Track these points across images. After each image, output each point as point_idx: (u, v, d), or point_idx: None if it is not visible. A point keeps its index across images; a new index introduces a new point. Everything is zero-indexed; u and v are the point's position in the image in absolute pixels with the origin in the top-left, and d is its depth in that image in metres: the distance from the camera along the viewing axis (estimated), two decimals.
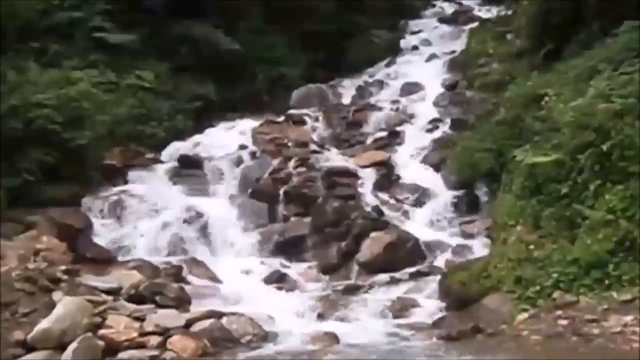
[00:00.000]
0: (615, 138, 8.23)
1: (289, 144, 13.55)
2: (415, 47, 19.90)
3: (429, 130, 13.98)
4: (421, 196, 12.07)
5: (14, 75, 11.64)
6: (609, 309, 7.36)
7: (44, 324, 7.41)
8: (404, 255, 10.51)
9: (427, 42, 20.06)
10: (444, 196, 11.85)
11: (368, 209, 11.50)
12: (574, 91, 9.45)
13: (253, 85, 17.03)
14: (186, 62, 15.74)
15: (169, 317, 7.95)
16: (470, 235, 10.90)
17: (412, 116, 14.76)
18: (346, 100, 16.73)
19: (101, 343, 7.37)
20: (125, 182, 12.41)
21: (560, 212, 8.62)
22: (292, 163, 12.72)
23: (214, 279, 10.22)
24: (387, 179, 12.45)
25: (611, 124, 8.33)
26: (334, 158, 13.08)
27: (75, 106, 11.63)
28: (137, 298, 8.61)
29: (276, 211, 11.88)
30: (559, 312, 7.54)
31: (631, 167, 8.09)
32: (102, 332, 7.51)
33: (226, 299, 9.45)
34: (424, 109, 15.00)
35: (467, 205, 11.52)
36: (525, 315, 7.74)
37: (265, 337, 8.11)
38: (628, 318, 7.11)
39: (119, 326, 7.63)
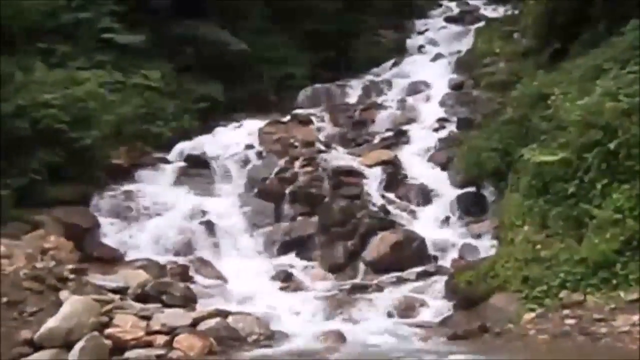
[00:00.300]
0: (622, 137, 8.22)
1: (296, 143, 13.53)
2: (421, 47, 19.88)
3: (436, 130, 13.96)
4: (428, 195, 12.06)
5: (21, 76, 11.67)
6: (616, 309, 7.37)
7: (51, 322, 7.42)
8: (411, 254, 10.50)
9: (433, 42, 20.04)
10: (450, 195, 11.83)
11: (374, 208, 11.49)
12: (580, 90, 9.42)
13: (259, 85, 17.05)
14: (192, 63, 15.77)
15: (176, 316, 7.95)
16: (476, 235, 10.86)
17: (418, 115, 14.74)
18: (352, 99, 16.71)
19: (108, 342, 7.38)
20: (132, 182, 12.42)
21: (568, 212, 8.61)
22: (298, 163, 12.70)
23: (221, 278, 10.24)
24: (394, 178, 12.42)
25: (618, 122, 8.30)
26: (341, 157, 13.04)
27: (82, 106, 11.65)
28: (143, 297, 8.64)
29: (282, 211, 11.88)
30: (566, 312, 7.55)
31: (638, 165, 8.09)
32: (108, 331, 7.52)
33: (232, 298, 9.48)
34: (431, 108, 14.99)
35: (473, 205, 11.49)
36: (532, 314, 7.74)
37: (272, 336, 8.11)
38: (635, 317, 7.11)
39: (126, 325, 7.63)
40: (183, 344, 7.45)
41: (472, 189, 11.68)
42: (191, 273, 10.10)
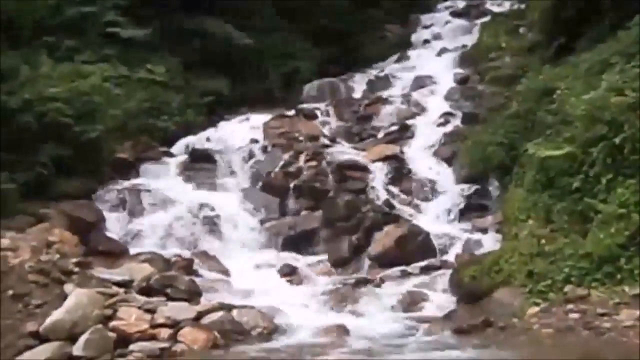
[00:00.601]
0: (628, 131, 8.19)
1: (300, 138, 13.54)
2: (426, 41, 19.84)
3: (441, 124, 13.91)
4: (432, 190, 12.04)
5: (27, 70, 11.69)
6: (620, 303, 7.35)
7: (55, 315, 7.45)
8: (415, 249, 10.47)
9: (438, 36, 19.99)
10: (455, 190, 11.80)
11: (379, 202, 11.49)
12: (586, 84, 9.40)
13: (265, 80, 17.05)
14: (198, 57, 15.76)
15: (180, 310, 7.96)
16: (481, 230, 10.84)
17: (423, 110, 14.71)
18: (357, 94, 16.70)
19: (112, 335, 7.39)
20: (137, 176, 12.46)
21: (572, 206, 8.59)
22: (303, 157, 12.70)
23: (225, 272, 10.24)
24: (398, 172, 12.41)
25: (624, 117, 8.28)
26: (345, 152, 13.04)
27: (87, 100, 11.68)
28: (148, 290, 8.65)
29: (287, 205, 11.90)
30: (570, 306, 7.53)
31: None
32: (113, 323, 7.53)
33: (237, 292, 9.47)
34: (436, 102, 14.95)
35: (478, 199, 11.47)
36: (536, 309, 7.72)
37: (276, 330, 8.10)
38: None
39: (130, 318, 7.64)
40: (187, 337, 7.46)
41: (476, 184, 11.64)
42: (195, 267, 10.09)
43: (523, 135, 10.52)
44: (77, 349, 7.20)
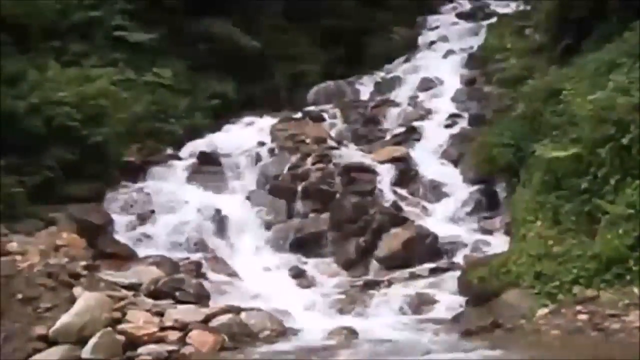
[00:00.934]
0: (635, 132, 8.18)
1: (307, 140, 13.54)
2: (432, 43, 19.80)
3: (447, 126, 13.92)
4: (439, 192, 12.04)
5: (34, 74, 11.75)
6: (629, 304, 7.32)
7: (64, 318, 7.49)
8: (423, 251, 10.49)
9: (444, 38, 19.94)
10: (462, 192, 11.82)
11: (386, 204, 11.49)
12: (592, 85, 9.38)
13: (272, 82, 17.08)
14: (205, 60, 15.78)
15: (188, 312, 7.99)
16: (489, 231, 10.87)
17: (430, 112, 14.71)
18: (364, 96, 16.73)
19: (121, 338, 7.43)
20: (145, 179, 12.48)
21: (580, 207, 8.58)
22: (310, 159, 12.70)
23: (233, 274, 10.25)
24: (406, 174, 12.41)
25: (631, 117, 8.26)
26: (352, 154, 13.05)
27: (94, 104, 11.71)
28: (156, 293, 8.68)
29: (294, 207, 11.88)
30: (579, 307, 7.50)
31: None
32: (121, 327, 7.56)
33: (245, 295, 9.48)
34: (442, 104, 14.96)
35: (485, 201, 11.49)
36: (545, 310, 7.70)
37: (284, 332, 8.12)
38: None
39: (139, 321, 7.67)
40: (195, 339, 7.48)
41: (484, 185, 11.66)
42: (204, 270, 10.10)
43: (530, 136, 10.50)
44: (86, 352, 7.24)
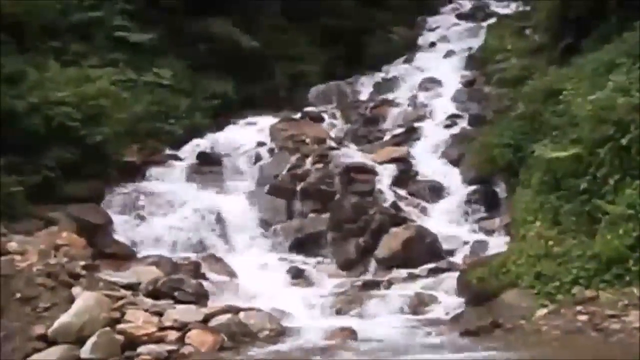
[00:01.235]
0: (635, 132, 8.18)
1: (307, 140, 13.54)
2: (433, 44, 19.84)
3: (447, 126, 13.94)
4: (439, 192, 12.05)
5: (34, 74, 11.75)
6: (629, 305, 7.31)
7: (63, 318, 7.48)
8: (422, 251, 10.48)
9: (445, 39, 19.98)
10: (462, 192, 11.83)
11: (386, 204, 11.48)
12: (592, 85, 9.39)
13: (272, 83, 17.09)
14: (205, 60, 15.80)
15: (187, 312, 7.98)
16: (488, 231, 10.88)
17: (430, 112, 14.74)
18: (364, 96, 16.75)
19: (120, 337, 7.42)
20: (144, 179, 12.49)
21: (580, 208, 8.58)
22: (310, 159, 12.72)
23: (232, 274, 10.24)
24: (405, 174, 12.42)
25: (630, 117, 8.26)
26: (352, 154, 13.05)
27: (94, 104, 11.70)
28: (155, 293, 8.67)
29: (294, 207, 11.90)
30: (578, 308, 7.50)
31: None
32: (120, 326, 7.55)
33: (244, 295, 9.47)
34: (442, 104, 14.97)
35: (485, 201, 11.49)
36: (544, 310, 7.70)
37: (283, 332, 8.10)
38: None
39: (138, 321, 7.65)
40: (195, 339, 7.47)
41: (483, 185, 11.67)
42: (203, 270, 10.09)
43: (530, 136, 10.52)
44: (84, 352, 7.23)
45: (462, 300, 8.94)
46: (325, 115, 14.98)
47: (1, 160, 10.24)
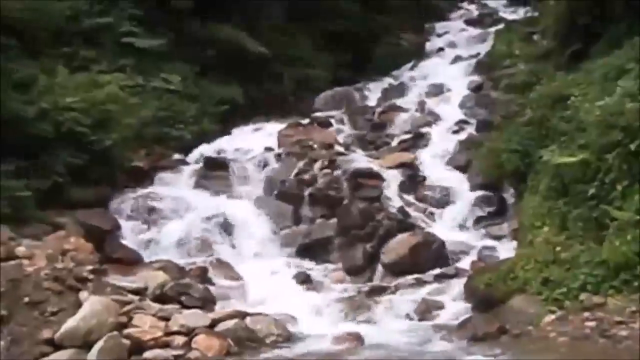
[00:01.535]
0: None
1: (314, 146, 13.56)
2: (440, 49, 19.87)
3: (455, 132, 13.94)
4: (447, 198, 12.04)
5: (44, 79, 11.81)
6: (637, 311, 7.27)
7: (71, 322, 7.49)
8: (430, 257, 10.44)
9: (452, 44, 20.01)
10: (469, 197, 11.80)
11: (393, 210, 11.47)
12: (600, 91, 9.35)
13: (279, 88, 17.14)
14: (213, 65, 15.85)
15: (194, 317, 7.97)
16: (496, 237, 10.84)
17: (437, 118, 14.73)
18: (371, 102, 16.76)
19: (127, 342, 7.41)
20: (152, 184, 12.51)
21: (588, 213, 8.52)
22: (317, 165, 12.71)
23: (239, 279, 10.25)
24: (413, 180, 12.42)
25: (639, 123, 8.21)
26: (359, 160, 13.04)
27: (103, 109, 11.74)
28: (162, 298, 8.66)
29: (301, 213, 11.90)
30: (586, 314, 7.46)
31: None
32: (127, 331, 7.55)
33: (251, 300, 9.50)
34: (450, 110, 14.98)
35: (493, 207, 11.47)
36: (552, 316, 7.66)
37: (290, 337, 8.10)
38: None
39: (145, 325, 7.66)
40: (201, 344, 7.46)
41: (491, 191, 11.65)
42: (210, 274, 10.10)
43: (537, 142, 10.46)
44: (91, 356, 7.23)
45: (469, 306, 8.92)
46: (332, 121, 14.98)
47: (10, 165, 10.28)
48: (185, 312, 8.17)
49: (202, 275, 9.96)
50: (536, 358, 6.86)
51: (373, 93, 17.34)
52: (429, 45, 20.38)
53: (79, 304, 7.82)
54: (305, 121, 14.92)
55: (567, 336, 7.15)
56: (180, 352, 7.39)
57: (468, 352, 7.23)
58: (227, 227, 11.33)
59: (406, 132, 14.24)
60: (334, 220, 11.49)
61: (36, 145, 10.81)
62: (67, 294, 8.06)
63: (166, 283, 8.98)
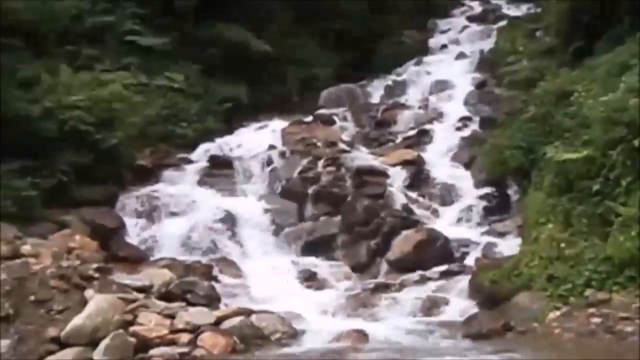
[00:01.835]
0: None
1: (318, 143, 13.57)
2: (444, 46, 19.86)
3: (459, 129, 13.95)
4: (451, 194, 12.05)
5: (48, 78, 11.84)
6: None
7: (76, 320, 7.52)
8: (434, 253, 10.45)
9: (456, 41, 19.99)
10: (473, 194, 11.81)
11: (397, 207, 11.48)
12: (604, 87, 9.36)
13: (283, 86, 17.16)
14: (217, 64, 15.88)
15: (200, 315, 7.99)
16: (500, 234, 10.82)
17: (441, 115, 14.73)
18: (375, 99, 16.78)
19: (132, 340, 7.45)
20: (156, 182, 12.53)
21: (592, 210, 8.54)
22: (321, 162, 12.74)
23: (244, 277, 10.27)
24: (417, 177, 12.42)
25: None
26: (363, 157, 13.06)
27: (107, 107, 11.79)
28: (168, 296, 8.68)
29: (305, 210, 11.93)
30: (591, 310, 7.48)
31: None
32: (133, 329, 7.58)
33: (256, 298, 9.51)
34: (453, 107, 14.97)
35: (497, 203, 11.48)
36: (557, 313, 7.68)
37: (295, 334, 8.10)
38: None
39: (150, 323, 7.68)
40: (207, 342, 7.49)
41: (495, 188, 11.64)
42: (215, 272, 10.13)
43: (541, 138, 10.47)
44: (97, 354, 7.28)
45: (474, 302, 8.92)
46: (336, 119, 14.99)
47: (15, 164, 10.31)
48: (191, 309, 8.18)
49: (207, 273, 9.97)
50: (542, 355, 6.85)
51: (376, 90, 17.34)
52: (432, 43, 20.34)
53: (84, 302, 7.86)
54: (309, 119, 14.93)
55: (572, 332, 7.17)
56: (185, 349, 7.41)
57: (472, 349, 7.23)
58: (231, 225, 11.36)
59: (410, 129, 14.25)
60: (338, 218, 11.53)
61: (40, 144, 10.85)
62: (73, 292, 8.10)
63: (171, 281, 9.01)
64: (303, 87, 17.50)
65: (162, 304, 8.24)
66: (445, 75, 16.97)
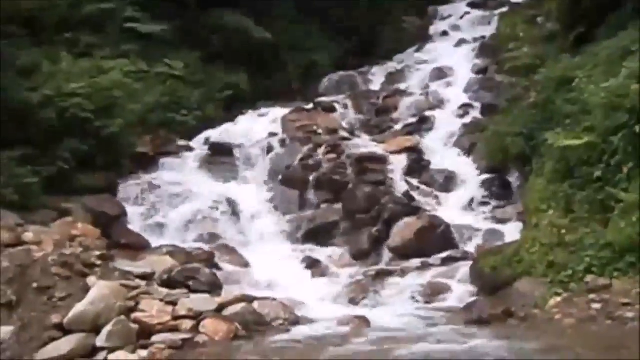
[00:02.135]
0: None
1: (319, 131, 13.55)
2: (444, 33, 19.73)
3: (460, 116, 13.90)
4: (452, 181, 12.04)
5: (48, 66, 11.83)
6: None
7: (79, 307, 7.54)
8: (435, 240, 10.46)
9: (456, 28, 19.88)
10: (474, 181, 11.80)
11: (399, 194, 11.48)
12: (605, 73, 9.32)
13: (284, 74, 17.09)
14: (217, 51, 15.82)
15: (202, 301, 8.01)
16: (501, 220, 10.84)
17: (442, 101, 14.68)
18: (376, 86, 16.71)
19: (135, 326, 7.47)
20: (157, 170, 12.55)
21: (593, 196, 8.54)
22: (322, 150, 12.73)
23: (246, 264, 10.31)
24: (418, 164, 12.41)
25: None
26: (364, 144, 13.05)
27: (107, 95, 11.78)
28: (170, 283, 8.72)
29: (307, 198, 11.93)
30: (592, 296, 7.49)
31: None
32: (135, 315, 7.61)
33: (257, 285, 9.55)
34: (454, 94, 14.92)
35: (498, 190, 11.46)
36: (557, 299, 7.69)
37: (297, 321, 8.14)
38: None
39: (152, 310, 7.71)
40: (209, 328, 7.52)
41: (496, 174, 11.64)
42: (217, 260, 10.15)
43: (542, 125, 10.45)
44: (100, 340, 7.31)
45: (475, 289, 8.95)
46: (337, 106, 14.93)
47: (16, 152, 10.31)
48: (193, 296, 8.21)
49: (209, 260, 10.00)
50: (543, 341, 6.86)
51: (377, 77, 17.26)
52: (432, 29, 20.22)
53: (86, 289, 7.87)
54: (310, 106, 14.89)
55: (573, 318, 7.19)
56: (187, 336, 7.43)
57: (474, 335, 7.24)
58: (232, 213, 11.40)
59: (411, 116, 14.21)
60: (339, 205, 11.54)
61: (41, 132, 10.84)
62: (75, 279, 8.12)
63: (173, 268, 9.05)
64: (304, 75, 17.44)
65: (164, 290, 8.28)
66: (446, 61, 16.89)
